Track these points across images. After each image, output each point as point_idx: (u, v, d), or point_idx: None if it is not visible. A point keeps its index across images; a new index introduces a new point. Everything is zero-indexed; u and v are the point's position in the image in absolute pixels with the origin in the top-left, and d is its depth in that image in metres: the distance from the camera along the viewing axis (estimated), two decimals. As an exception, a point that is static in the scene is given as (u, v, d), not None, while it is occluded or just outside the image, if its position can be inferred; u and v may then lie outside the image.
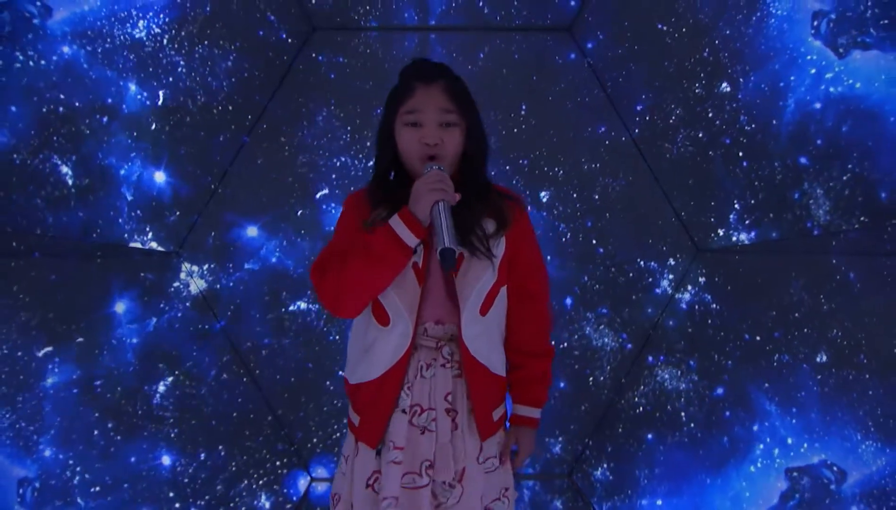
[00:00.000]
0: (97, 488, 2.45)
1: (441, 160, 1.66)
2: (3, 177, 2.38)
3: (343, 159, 2.52)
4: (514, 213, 1.74)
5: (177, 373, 2.51)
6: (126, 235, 2.49)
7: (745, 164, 2.49)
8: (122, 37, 2.40)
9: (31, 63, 2.33)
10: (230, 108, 2.47)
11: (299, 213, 2.54)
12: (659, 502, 2.55)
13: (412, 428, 1.67)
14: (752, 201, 2.50)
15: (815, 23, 2.41)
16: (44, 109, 2.36)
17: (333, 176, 2.52)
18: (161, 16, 2.41)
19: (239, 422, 2.53)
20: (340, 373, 1.74)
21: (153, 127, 2.50)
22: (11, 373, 2.44)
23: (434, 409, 1.67)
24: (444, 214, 1.57)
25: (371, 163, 2.56)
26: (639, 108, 2.51)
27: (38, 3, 2.25)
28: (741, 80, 2.46)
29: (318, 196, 2.53)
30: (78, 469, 2.47)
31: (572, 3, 2.47)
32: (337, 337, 2.56)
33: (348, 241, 1.66)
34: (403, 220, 1.60)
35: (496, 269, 1.69)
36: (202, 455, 2.51)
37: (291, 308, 2.56)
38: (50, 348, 2.47)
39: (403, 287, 1.64)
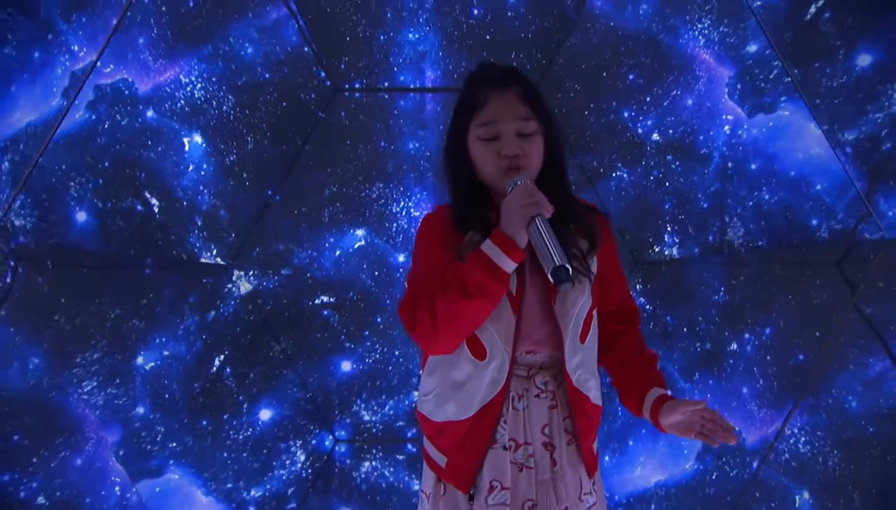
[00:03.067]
0: (175, 443, 2.80)
1: (524, 172, 1.44)
2: (105, 211, 2.73)
3: (352, 189, 2.83)
4: (602, 229, 1.53)
5: (228, 353, 2.80)
6: (196, 251, 2.79)
7: (673, 199, 2.82)
8: (189, 98, 2.74)
9: (122, 122, 2.74)
10: (276, 153, 2.78)
11: (322, 231, 2.84)
12: (606, 458, 2.85)
13: (511, 465, 1.46)
14: (681, 223, 2.83)
15: (727, 88, 2.78)
16: (131, 156, 2.73)
17: (339, 203, 2.83)
18: (219, 80, 2.75)
19: (280, 394, 2.80)
20: (414, 404, 1.56)
21: (215, 169, 2.77)
22: (110, 354, 2.74)
23: (531, 444, 1.47)
24: (545, 230, 1.33)
25: (379, 184, 2.80)
26: (585, 151, 2.83)
27: (129, 78, 2.70)
28: (670, 131, 2.78)
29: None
30: (161, 429, 2.77)
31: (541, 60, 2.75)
32: (351, 327, 2.83)
33: (436, 271, 1.40)
34: (498, 244, 1.35)
35: (590, 292, 1.49)
36: (253, 419, 2.82)
37: (317, 302, 2.83)
38: (137, 335, 2.76)
39: (499, 318, 1.43)
